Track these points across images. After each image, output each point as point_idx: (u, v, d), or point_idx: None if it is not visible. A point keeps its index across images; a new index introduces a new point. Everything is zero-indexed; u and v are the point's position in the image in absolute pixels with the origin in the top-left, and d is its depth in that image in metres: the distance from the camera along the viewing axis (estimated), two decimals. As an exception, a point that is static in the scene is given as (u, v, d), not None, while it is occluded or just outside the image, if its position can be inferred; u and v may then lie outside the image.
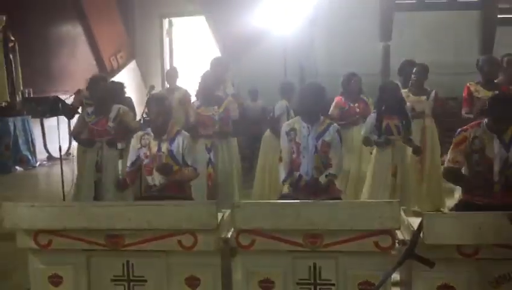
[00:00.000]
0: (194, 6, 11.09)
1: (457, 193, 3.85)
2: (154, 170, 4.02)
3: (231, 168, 5.32)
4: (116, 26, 12.47)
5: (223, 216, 3.13)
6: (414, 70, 5.66)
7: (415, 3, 9.91)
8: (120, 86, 6.18)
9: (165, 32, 13.24)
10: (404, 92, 5.35)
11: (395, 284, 3.19)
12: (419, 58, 6.23)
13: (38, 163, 9.53)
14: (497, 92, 4.26)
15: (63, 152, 6.53)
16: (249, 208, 3.00)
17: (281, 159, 4.15)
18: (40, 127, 9.82)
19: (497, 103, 3.50)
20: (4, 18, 9.05)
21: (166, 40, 13.28)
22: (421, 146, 5.18)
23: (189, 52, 12.69)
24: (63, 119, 7.26)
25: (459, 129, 3.61)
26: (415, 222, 2.95)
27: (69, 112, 6.75)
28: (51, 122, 8.47)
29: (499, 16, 9.72)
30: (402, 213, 3.02)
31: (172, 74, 7.29)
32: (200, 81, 5.31)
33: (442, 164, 4.34)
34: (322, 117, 4.15)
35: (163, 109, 4.06)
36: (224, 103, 5.22)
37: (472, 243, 2.81)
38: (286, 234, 2.95)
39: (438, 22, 9.61)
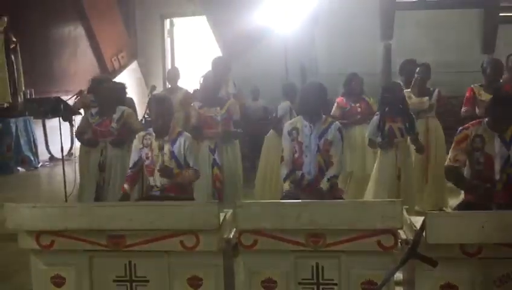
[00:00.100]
0: (195, 7, 11.10)
1: (462, 193, 3.84)
2: (155, 171, 4.02)
3: (235, 168, 5.31)
4: (118, 27, 12.47)
5: (225, 216, 3.12)
6: (417, 70, 5.63)
7: (416, 2, 9.84)
8: (121, 87, 6.18)
9: (166, 32, 13.25)
10: (406, 92, 5.34)
11: (398, 283, 3.18)
12: (421, 58, 6.22)
13: (40, 164, 9.56)
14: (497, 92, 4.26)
15: (65, 153, 6.52)
16: (251, 208, 2.98)
17: (282, 159, 4.14)
18: (42, 128, 9.85)
19: (498, 103, 3.50)
20: (6, 19, 9.08)
21: (167, 41, 13.30)
22: (424, 146, 5.17)
23: (191, 53, 12.70)
24: (64, 119, 7.27)
25: (460, 127, 3.60)
26: (417, 221, 2.94)
27: (67, 114, 6.63)
28: (52, 122, 8.50)
29: (500, 14, 9.67)
30: (405, 213, 3.01)
31: (173, 75, 7.23)
32: (201, 81, 5.29)
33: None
34: (324, 116, 4.14)
35: (164, 110, 4.05)
36: (226, 104, 5.19)
37: (475, 242, 2.79)
38: (288, 233, 2.94)
39: (439, 21, 9.54)
